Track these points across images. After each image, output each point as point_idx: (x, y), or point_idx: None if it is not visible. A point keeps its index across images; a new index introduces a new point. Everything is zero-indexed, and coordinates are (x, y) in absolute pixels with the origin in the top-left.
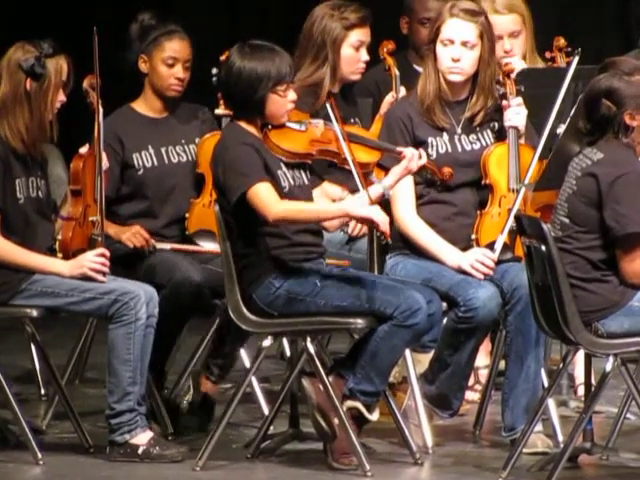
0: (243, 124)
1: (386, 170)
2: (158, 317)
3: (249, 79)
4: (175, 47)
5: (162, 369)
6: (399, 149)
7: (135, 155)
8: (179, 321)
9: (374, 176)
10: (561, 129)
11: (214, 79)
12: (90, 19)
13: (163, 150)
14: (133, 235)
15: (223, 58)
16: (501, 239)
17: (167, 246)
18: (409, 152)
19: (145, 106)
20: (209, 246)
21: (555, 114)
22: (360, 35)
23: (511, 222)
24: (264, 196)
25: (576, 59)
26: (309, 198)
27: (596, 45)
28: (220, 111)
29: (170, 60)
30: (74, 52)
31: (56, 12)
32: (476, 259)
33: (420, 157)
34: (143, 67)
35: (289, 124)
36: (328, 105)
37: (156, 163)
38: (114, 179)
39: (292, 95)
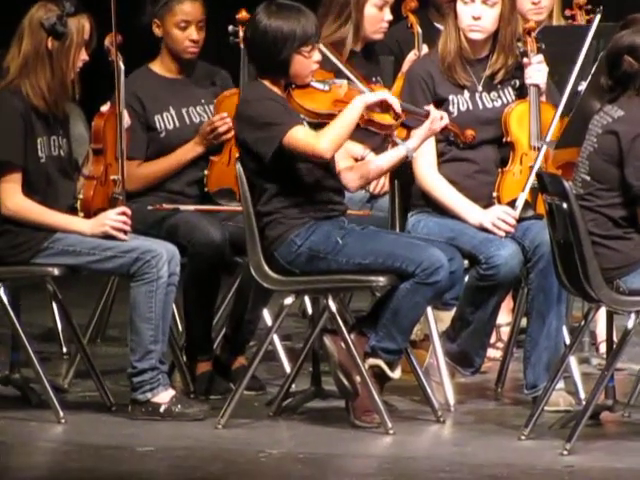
0: (267, 82)
1: (408, 129)
2: (188, 282)
3: (274, 38)
4: (186, 9)
5: (208, 336)
6: (424, 110)
7: (157, 117)
8: (208, 283)
9: (397, 136)
10: (582, 86)
11: (231, 37)
12: None
13: (184, 111)
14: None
15: (239, 16)
16: (522, 197)
17: (191, 208)
18: (432, 113)
19: (163, 67)
20: (230, 205)
21: (577, 73)
22: None
23: (532, 180)
24: (305, 137)
25: (598, 17)
26: (332, 157)
27: (616, 2)
28: None
29: (182, 23)
30: (97, 11)
31: None
32: (497, 217)
33: (442, 118)
34: (157, 31)
35: (313, 84)
36: (326, 50)
37: (178, 124)
38: (141, 141)
39: (317, 56)
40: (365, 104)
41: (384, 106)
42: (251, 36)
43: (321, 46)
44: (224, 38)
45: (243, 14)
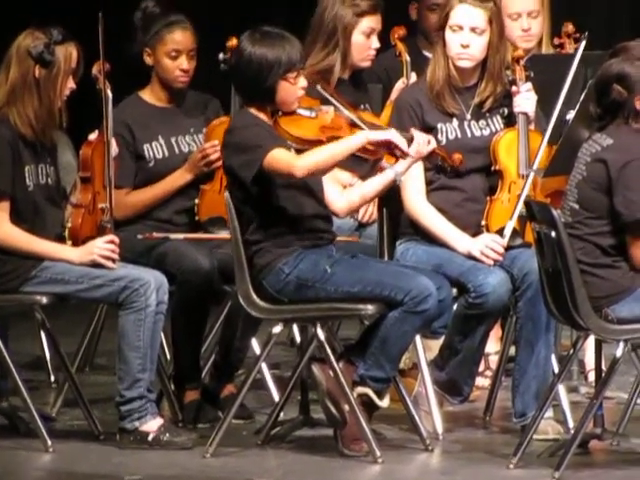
0: (253, 110)
1: (396, 157)
2: (177, 311)
3: (259, 66)
4: (177, 38)
5: (196, 364)
6: (409, 133)
7: (146, 146)
8: (197, 311)
9: (384, 162)
10: (571, 115)
11: (221, 65)
12: (100, 5)
13: (173, 140)
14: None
15: (229, 44)
16: (510, 225)
17: (180, 236)
18: (418, 136)
19: (153, 96)
20: (221, 233)
21: (563, 99)
22: (371, 22)
23: (520, 208)
24: (283, 157)
25: (583, 43)
26: (319, 183)
27: (606, 31)
28: None
29: (173, 52)
30: (84, 39)
31: None
32: (486, 245)
33: (429, 142)
34: (148, 60)
35: (299, 110)
36: (319, 87)
37: (167, 154)
38: (129, 168)
39: (302, 82)
40: (367, 140)
41: (388, 146)
42: (236, 64)
43: (318, 87)
44: (215, 66)
45: (233, 42)
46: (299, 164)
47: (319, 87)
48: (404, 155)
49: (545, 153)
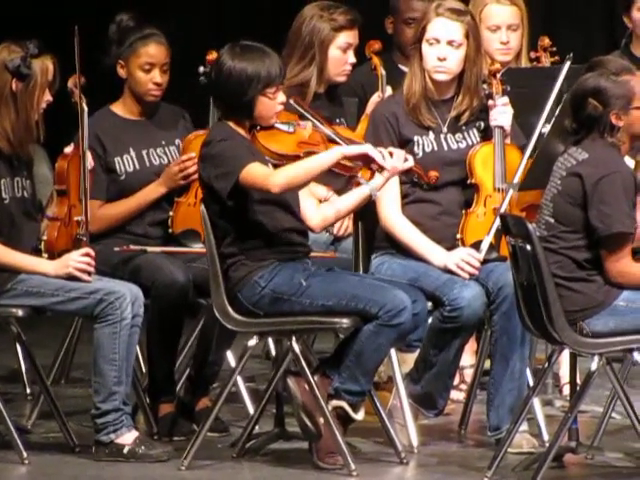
0: (232, 124)
1: (372, 172)
2: (152, 324)
3: (239, 80)
4: (151, 52)
5: (171, 377)
6: (385, 149)
7: (117, 159)
8: (172, 324)
9: (360, 176)
10: (546, 128)
11: (201, 78)
12: (75, 18)
13: (144, 153)
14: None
15: (210, 57)
16: (487, 240)
17: (157, 249)
18: (395, 152)
19: (125, 109)
20: (195, 246)
21: (545, 117)
22: (348, 37)
23: (497, 222)
24: (259, 172)
25: (567, 64)
26: (295, 197)
27: (581, 45)
28: None
29: (147, 65)
30: (59, 52)
31: (41, 12)
32: (462, 259)
33: (406, 160)
34: (121, 72)
35: (277, 125)
36: (292, 101)
37: (137, 167)
38: (102, 182)
39: (281, 97)
40: (342, 155)
41: (364, 159)
42: (215, 78)
43: (291, 101)
44: (192, 78)
45: (213, 55)
46: (275, 180)
47: (292, 101)
48: (381, 169)
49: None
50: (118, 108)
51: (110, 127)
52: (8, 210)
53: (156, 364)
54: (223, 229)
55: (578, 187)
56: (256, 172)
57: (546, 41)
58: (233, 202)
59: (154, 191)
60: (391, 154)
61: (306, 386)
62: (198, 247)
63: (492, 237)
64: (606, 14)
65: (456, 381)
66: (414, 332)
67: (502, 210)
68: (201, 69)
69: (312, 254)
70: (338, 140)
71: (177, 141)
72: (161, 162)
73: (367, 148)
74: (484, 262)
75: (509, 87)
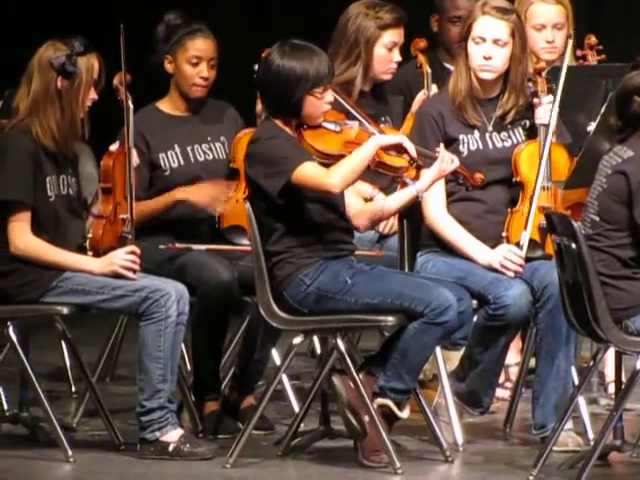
0: (279, 123)
1: (418, 169)
2: (197, 322)
3: (287, 79)
4: (198, 46)
5: (216, 375)
6: (434, 152)
7: (161, 155)
8: (217, 322)
9: (406, 177)
10: (592, 127)
11: (255, 76)
12: (121, 16)
13: (189, 149)
14: (199, 194)
15: (265, 56)
16: (525, 235)
17: (203, 247)
18: (442, 154)
19: (170, 105)
20: (241, 242)
21: (556, 105)
22: (394, 36)
23: (532, 218)
24: (314, 171)
25: (570, 42)
26: (341, 196)
27: (626, 44)
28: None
29: (194, 59)
30: (106, 50)
31: (89, 9)
32: (503, 255)
33: (452, 161)
34: (169, 67)
35: (325, 124)
36: (336, 95)
37: (182, 163)
38: (143, 179)
39: (329, 97)
40: (379, 145)
41: (398, 149)
42: (264, 76)
43: (335, 95)
44: (239, 77)
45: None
46: (333, 179)
47: (336, 95)
48: (412, 161)
49: (567, 165)
50: (164, 105)
51: (154, 124)
52: (53, 208)
53: (201, 362)
54: (269, 227)
55: (623, 185)
56: (310, 172)
57: (592, 39)
58: (282, 201)
59: (172, 196)
60: (437, 156)
61: (351, 384)
62: (244, 243)
63: (536, 234)
64: None
65: (501, 379)
66: (459, 330)
67: (534, 206)
68: (256, 67)
69: (358, 252)
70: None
71: (223, 138)
72: (206, 158)
73: (401, 138)
74: (529, 260)
75: (554, 85)
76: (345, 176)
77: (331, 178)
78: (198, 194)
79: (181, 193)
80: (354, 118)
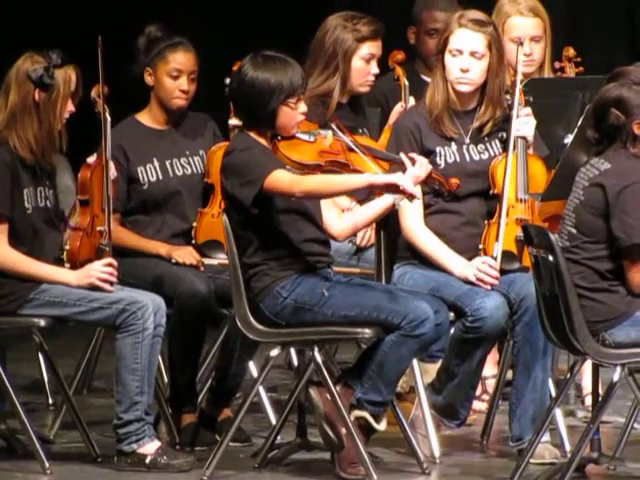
0: (253, 134)
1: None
2: (174, 334)
3: (261, 90)
4: (179, 59)
5: (193, 387)
6: (404, 156)
7: (140, 169)
8: (194, 334)
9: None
10: (569, 139)
11: (227, 89)
12: (99, 29)
13: (168, 163)
14: (185, 254)
15: (236, 68)
16: (498, 246)
17: (214, 262)
18: (417, 159)
19: (150, 118)
20: (220, 257)
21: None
22: (371, 48)
23: (503, 228)
24: (285, 177)
25: (520, 48)
26: (317, 207)
27: (604, 56)
28: (234, 121)
29: (174, 72)
30: (83, 62)
31: (65, 22)
32: (477, 267)
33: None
34: (149, 80)
35: (299, 135)
36: (334, 125)
37: (161, 177)
38: (121, 193)
39: (303, 107)
40: (370, 184)
41: (393, 189)
42: (238, 88)
43: (333, 126)
44: (216, 91)
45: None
46: (300, 184)
47: (334, 126)
48: (411, 197)
49: (544, 177)
50: (144, 117)
51: (134, 137)
52: (30, 220)
53: (178, 374)
54: (245, 239)
55: (600, 197)
56: (281, 178)
57: (571, 51)
58: (256, 211)
59: (155, 248)
60: (412, 160)
61: (328, 396)
62: (221, 258)
63: (513, 247)
64: (628, 25)
65: (478, 391)
66: (436, 342)
67: (503, 219)
68: (227, 80)
69: (336, 269)
70: (358, 151)
71: (201, 152)
72: (184, 172)
73: (397, 179)
74: (506, 272)
75: (532, 98)
76: (313, 187)
77: (298, 183)
78: (183, 256)
79: (164, 250)
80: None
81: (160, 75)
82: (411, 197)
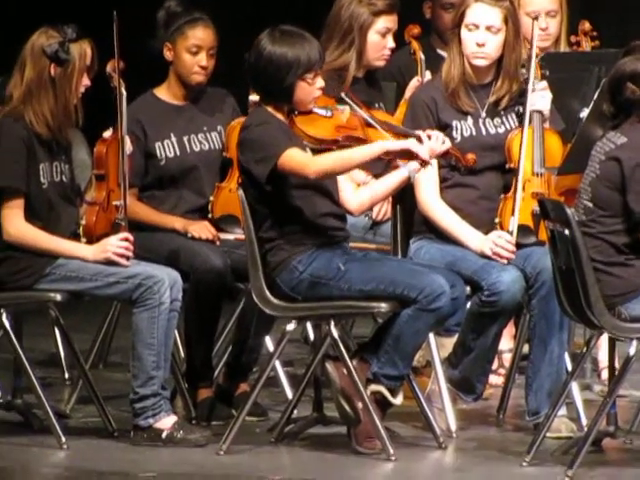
0: (270, 109)
1: (411, 155)
2: (190, 309)
3: (278, 65)
4: (199, 35)
5: (209, 362)
6: (422, 133)
7: (157, 144)
8: (210, 309)
9: (399, 160)
10: (585, 113)
11: (246, 63)
12: (116, 3)
13: (185, 139)
14: (201, 228)
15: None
16: (514, 220)
17: (231, 237)
18: (432, 134)
19: (168, 93)
20: (235, 231)
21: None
22: (387, 22)
23: (519, 202)
24: (298, 157)
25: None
26: (334, 182)
27: (619, 30)
28: (255, 97)
29: (194, 48)
30: (98, 36)
31: None
32: (493, 241)
33: (443, 142)
34: (168, 55)
35: (315, 110)
36: (344, 94)
37: (178, 152)
38: (139, 168)
39: (320, 82)
40: (384, 150)
41: (408, 154)
42: (255, 62)
43: (343, 95)
44: (235, 66)
45: None
46: (313, 166)
47: (344, 95)
48: (424, 163)
49: (560, 151)
50: (162, 92)
51: (152, 112)
52: (47, 195)
53: (194, 349)
54: (262, 214)
55: (616, 171)
56: (295, 157)
57: (587, 25)
58: (271, 187)
59: (170, 223)
60: (429, 136)
61: (344, 371)
62: (238, 232)
63: (529, 220)
64: None
65: (495, 365)
66: (453, 316)
67: (519, 192)
68: (247, 55)
69: (352, 244)
70: (376, 126)
71: (219, 127)
72: (202, 148)
73: (410, 144)
74: (522, 246)
75: (548, 72)
76: (328, 166)
77: (311, 164)
78: (199, 230)
79: (180, 224)
80: (372, 126)
81: (179, 50)
82: (424, 163)
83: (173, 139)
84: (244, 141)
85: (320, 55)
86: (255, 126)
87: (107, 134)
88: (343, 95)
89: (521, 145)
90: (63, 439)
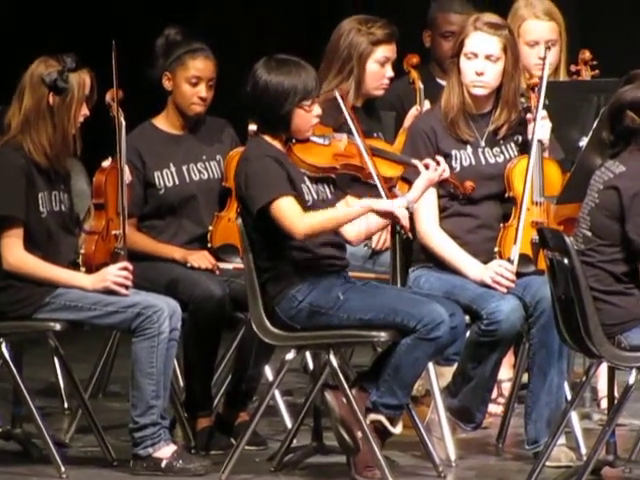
0: (267, 138)
1: (410, 184)
2: (189, 338)
3: (275, 94)
4: (199, 66)
5: (208, 391)
6: (421, 162)
7: (156, 174)
8: (209, 338)
9: (397, 190)
10: (584, 141)
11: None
12: (115, 33)
13: (184, 168)
14: (200, 258)
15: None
16: (515, 249)
17: (230, 266)
18: (430, 163)
19: (167, 123)
20: (234, 261)
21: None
22: (386, 51)
23: (521, 232)
24: (288, 211)
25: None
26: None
27: (619, 59)
28: (254, 127)
29: (194, 79)
30: (99, 66)
31: (80, 26)
32: (494, 271)
33: (444, 171)
34: (167, 84)
35: (313, 138)
36: (337, 93)
37: (177, 182)
38: (138, 197)
39: (317, 110)
40: (371, 209)
41: (390, 217)
42: (251, 91)
43: (336, 93)
44: (233, 95)
45: None
46: (300, 227)
47: (337, 94)
48: (404, 231)
49: (559, 180)
50: (160, 122)
51: (151, 141)
52: (46, 224)
53: (193, 378)
54: (261, 243)
55: (615, 200)
56: (286, 209)
57: (587, 54)
58: (267, 216)
59: (170, 253)
60: (426, 166)
61: (344, 400)
62: (237, 262)
63: (528, 249)
64: None
65: (494, 394)
66: (452, 346)
67: (521, 224)
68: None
69: (351, 274)
70: (367, 158)
71: (218, 156)
72: (201, 177)
73: (394, 207)
74: (522, 275)
75: (547, 101)
76: (315, 226)
77: (299, 224)
78: (198, 260)
79: (179, 254)
80: (349, 131)
81: (179, 81)
82: (404, 231)
83: (172, 168)
84: (241, 171)
85: (316, 82)
86: (253, 159)
87: (106, 163)
88: (336, 94)
89: (527, 174)
90: (62, 469)
